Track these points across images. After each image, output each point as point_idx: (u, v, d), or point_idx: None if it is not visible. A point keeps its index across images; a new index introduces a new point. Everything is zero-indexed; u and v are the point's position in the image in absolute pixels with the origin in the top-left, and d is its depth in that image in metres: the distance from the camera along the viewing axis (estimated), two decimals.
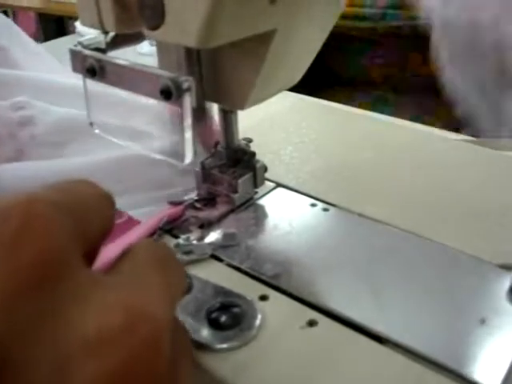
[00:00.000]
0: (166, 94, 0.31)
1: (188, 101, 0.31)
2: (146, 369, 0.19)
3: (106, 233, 0.24)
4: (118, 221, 0.39)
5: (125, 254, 0.24)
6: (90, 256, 0.23)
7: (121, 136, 0.37)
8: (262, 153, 0.44)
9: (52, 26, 2.66)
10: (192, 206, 0.41)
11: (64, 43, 1.39)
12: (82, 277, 0.20)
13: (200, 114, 0.38)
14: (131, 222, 0.39)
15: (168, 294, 0.22)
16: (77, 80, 0.38)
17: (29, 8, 2.64)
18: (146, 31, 0.32)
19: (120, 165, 0.43)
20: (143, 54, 0.83)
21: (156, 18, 0.31)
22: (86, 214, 0.22)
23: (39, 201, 0.20)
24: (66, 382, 0.17)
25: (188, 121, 0.32)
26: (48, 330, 0.18)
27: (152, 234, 0.38)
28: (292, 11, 0.33)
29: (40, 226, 0.19)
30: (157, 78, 0.32)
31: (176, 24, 0.30)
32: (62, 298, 0.18)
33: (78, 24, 1.18)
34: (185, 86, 0.31)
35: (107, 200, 0.25)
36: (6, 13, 3.18)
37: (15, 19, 3.24)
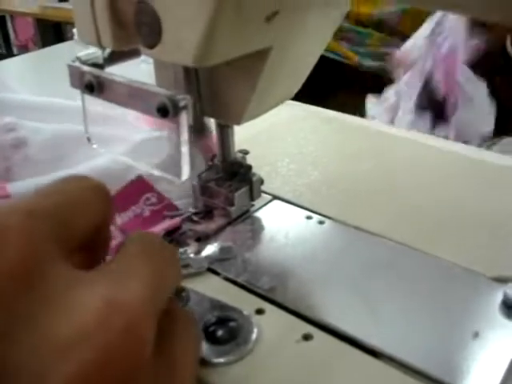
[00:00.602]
0: (163, 112, 0.32)
1: (185, 118, 0.31)
2: (125, 359, 0.20)
3: (99, 223, 0.25)
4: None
5: (118, 248, 0.25)
6: (93, 248, 0.25)
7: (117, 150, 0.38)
8: (259, 165, 0.44)
9: (49, 32, 2.66)
10: (189, 218, 0.42)
11: (62, 50, 1.39)
12: (58, 279, 0.20)
13: (198, 130, 0.38)
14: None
15: (152, 282, 0.23)
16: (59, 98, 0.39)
17: (26, 14, 2.64)
18: (142, 49, 0.33)
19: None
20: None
21: (153, 36, 0.31)
22: (70, 212, 0.23)
23: (13, 212, 0.21)
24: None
25: (185, 138, 0.32)
26: (24, 338, 0.18)
27: None
28: (288, 28, 0.34)
29: (12, 237, 0.20)
30: (154, 95, 0.32)
31: (173, 43, 0.31)
32: (37, 304, 0.19)
33: (75, 30, 1.18)
34: (181, 104, 0.31)
35: (98, 191, 0.25)
36: (3, 18, 3.19)
37: (13, 24, 3.25)
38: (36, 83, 0.86)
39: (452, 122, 0.82)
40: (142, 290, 0.22)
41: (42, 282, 0.20)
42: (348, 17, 1.01)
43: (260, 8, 0.30)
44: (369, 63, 1.10)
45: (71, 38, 1.54)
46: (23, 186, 0.41)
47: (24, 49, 3.19)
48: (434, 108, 0.84)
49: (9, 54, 3.03)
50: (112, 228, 0.31)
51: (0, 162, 0.44)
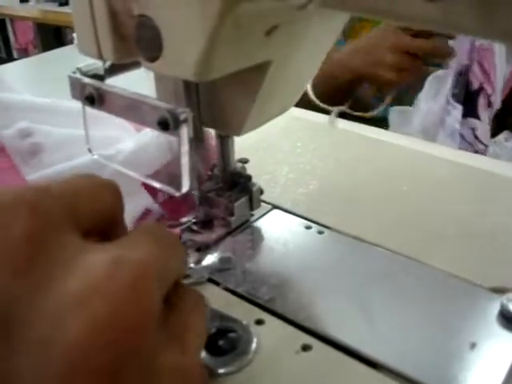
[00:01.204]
0: (164, 125, 0.32)
1: (185, 132, 0.32)
2: (133, 311, 0.21)
3: (108, 216, 0.26)
4: None
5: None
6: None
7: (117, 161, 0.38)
8: (258, 174, 0.44)
9: (49, 36, 2.67)
10: (189, 228, 0.42)
11: (62, 54, 1.39)
12: (69, 246, 0.22)
13: (198, 141, 0.38)
14: None
15: (158, 254, 0.24)
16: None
17: (27, 18, 2.65)
18: (143, 62, 0.33)
19: None
20: None
21: (153, 50, 0.32)
22: (78, 199, 0.25)
23: (27, 189, 0.23)
24: (61, 338, 0.19)
25: (185, 151, 0.32)
26: (41, 295, 0.20)
27: None
28: (287, 42, 0.34)
29: (25, 208, 0.21)
30: (154, 109, 0.32)
31: (174, 57, 0.31)
32: (52, 266, 0.21)
33: (76, 35, 1.18)
34: (182, 117, 0.31)
35: (106, 187, 0.27)
36: (3, 22, 3.19)
37: (13, 28, 3.26)
38: (37, 87, 0.86)
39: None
40: (149, 255, 0.23)
41: (54, 247, 0.21)
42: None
43: (260, 23, 0.31)
44: None
45: (71, 42, 1.54)
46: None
47: (24, 52, 3.20)
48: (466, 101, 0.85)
49: (9, 58, 3.03)
50: None
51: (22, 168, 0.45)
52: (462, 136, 0.85)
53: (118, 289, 0.21)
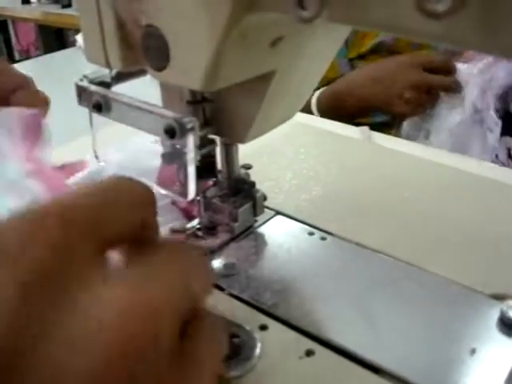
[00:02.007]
0: (170, 134, 0.33)
1: (191, 140, 0.32)
2: (142, 346, 0.21)
3: (135, 224, 0.26)
4: None
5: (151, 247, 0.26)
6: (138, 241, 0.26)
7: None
8: (261, 180, 0.45)
9: (51, 37, 2.68)
10: (194, 234, 0.42)
11: (64, 56, 1.40)
12: (87, 274, 0.22)
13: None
14: None
15: (178, 282, 0.24)
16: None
17: (29, 19, 2.65)
18: (150, 71, 0.34)
19: None
20: None
21: (161, 60, 0.32)
22: (104, 214, 0.24)
23: (53, 204, 0.23)
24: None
25: (191, 159, 0.33)
26: (61, 312, 0.20)
27: None
28: (291, 52, 0.35)
29: (52, 225, 0.21)
30: (161, 117, 0.33)
31: (181, 67, 0.31)
32: (69, 286, 0.21)
33: (78, 37, 1.19)
34: (188, 126, 0.32)
35: (135, 194, 0.26)
36: (5, 23, 3.20)
37: (14, 29, 3.26)
38: (39, 89, 0.87)
39: None
40: (167, 291, 0.23)
41: (75, 268, 0.21)
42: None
43: (265, 34, 0.31)
44: None
45: (73, 44, 1.55)
46: None
47: (25, 54, 3.21)
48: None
49: (10, 59, 3.04)
50: None
51: None
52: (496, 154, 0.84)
53: (130, 328, 0.21)
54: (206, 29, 0.29)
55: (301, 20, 0.22)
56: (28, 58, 2.65)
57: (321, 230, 0.44)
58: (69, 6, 2.43)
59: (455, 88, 0.82)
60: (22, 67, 1.16)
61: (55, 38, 2.67)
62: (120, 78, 0.40)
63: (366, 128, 0.69)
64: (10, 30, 3.28)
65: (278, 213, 0.47)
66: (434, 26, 0.21)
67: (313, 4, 0.22)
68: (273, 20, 0.30)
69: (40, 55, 2.24)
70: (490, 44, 0.22)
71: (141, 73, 0.40)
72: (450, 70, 0.83)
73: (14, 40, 3.32)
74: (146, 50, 0.33)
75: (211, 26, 0.29)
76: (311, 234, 0.44)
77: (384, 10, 0.22)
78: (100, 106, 0.37)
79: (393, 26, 0.22)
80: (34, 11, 2.61)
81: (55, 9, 2.51)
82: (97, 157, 0.39)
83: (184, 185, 0.34)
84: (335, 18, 0.23)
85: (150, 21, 0.32)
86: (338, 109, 0.91)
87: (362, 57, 1.03)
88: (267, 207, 0.46)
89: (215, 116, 0.39)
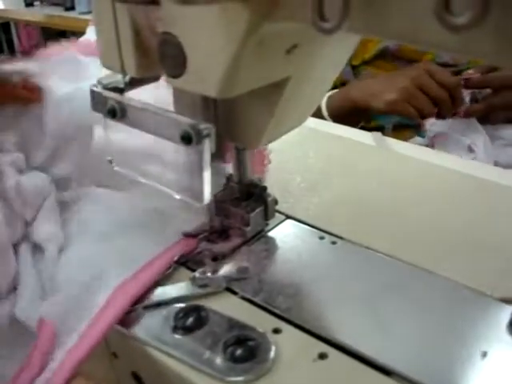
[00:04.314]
0: (187, 140, 0.33)
1: (207, 146, 0.33)
2: None
3: None
4: None
5: None
6: None
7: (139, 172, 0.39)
8: (271, 184, 0.45)
9: (54, 40, 2.67)
10: (205, 238, 0.43)
11: None
12: None
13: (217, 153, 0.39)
14: None
15: None
16: None
17: (32, 22, 2.66)
18: (166, 78, 0.34)
19: None
20: None
21: (177, 67, 0.33)
22: None
23: None
24: None
25: (207, 164, 0.33)
26: None
27: (168, 267, 0.40)
28: (306, 59, 0.35)
29: None
30: (177, 123, 0.33)
31: (197, 74, 0.32)
32: None
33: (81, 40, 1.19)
34: (205, 132, 0.33)
35: None
36: (8, 25, 3.21)
37: (17, 32, 3.27)
38: None
39: None
40: None
41: None
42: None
43: (282, 42, 0.32)
44: None
45: None
46: None
47: (28, 56, 3.20)
48: None
49: None
50: None
51: None
52: None
53: None
54: (224, 37, 0.30)
55: (322, 31, 0.23)
56: None
57: (331, 234, 0.45)
58: (72, 8, 2.43)
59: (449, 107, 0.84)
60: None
61: (58, 41, 2.67)
62: (133, 83, 0.40)
63: (378, 134, 0.69)
64: (12, 32, 3.29)
65: (288, 217, 0.47)
66: (453, 38, 0.22)
67: (334, 16, 0.22)
68: (290, 28, 0.30)
69: None
70: (507, 55, 0.22)
71: (154, 78, 0.41)
72: (454, 92, 0.84)
73: (16, 42, 3.33)
74: (162, 57, 0.34)
75: (229, 34, 0.29)
76: (322, 238, 0.44)
77: (404, 21, 0.22)
78: (115, 112, 0.38)
79: (412, 37, 0.22)
80: (37, 13, 2.61)
81: (58, 11, 2.51)
82: (111, 161, 0.40)
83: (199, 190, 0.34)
84: (355, 29, 0.23)
85: (167, 28, 0.32)
86: (353, 115, 0.92)
87: (366, 62, 1.03)
88: (278, 211, 0.47)
89: (228, 121, 0.39)
